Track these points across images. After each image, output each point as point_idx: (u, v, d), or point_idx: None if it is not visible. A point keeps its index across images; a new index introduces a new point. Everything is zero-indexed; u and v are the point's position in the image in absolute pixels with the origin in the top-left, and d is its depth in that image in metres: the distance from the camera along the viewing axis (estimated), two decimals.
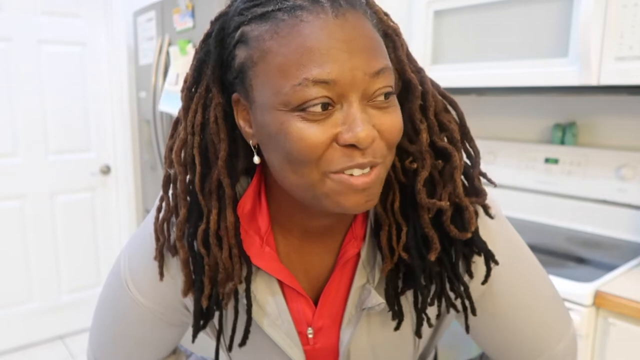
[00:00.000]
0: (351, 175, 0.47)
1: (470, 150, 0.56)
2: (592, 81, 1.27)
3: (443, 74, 1.62)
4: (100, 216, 2.81)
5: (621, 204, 1.55)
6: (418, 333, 0.60)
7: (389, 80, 0.47)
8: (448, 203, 0.52)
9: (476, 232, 0.55)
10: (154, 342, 0.66)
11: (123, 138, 2.77)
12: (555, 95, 1.72)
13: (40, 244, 2.63)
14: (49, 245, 2.65)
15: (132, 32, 2.62)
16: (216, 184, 0.53)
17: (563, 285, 1.15)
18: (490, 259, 0.57)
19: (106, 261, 2.86)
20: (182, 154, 0.54)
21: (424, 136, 0.53)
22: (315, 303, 0.61)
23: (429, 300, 0.57)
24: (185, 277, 0.57)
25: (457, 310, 0.59)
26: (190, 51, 2.06)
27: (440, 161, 0.53)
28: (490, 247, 0.57)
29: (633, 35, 1.20)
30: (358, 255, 0.58)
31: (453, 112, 0.57)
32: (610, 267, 1.26)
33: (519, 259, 0.62)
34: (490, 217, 0.57)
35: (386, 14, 0.53)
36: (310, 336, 0.61)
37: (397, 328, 0.59)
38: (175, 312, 0.63)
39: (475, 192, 0.55)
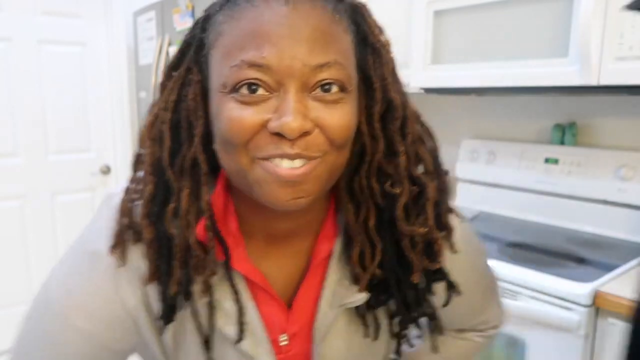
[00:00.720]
0: (270, 167, 0.46)
1: (441, 184, 0.56)
2: (592, 81, 1.27)
3: (443, 74, 1.62)
4: None
5: (621, 204, 1.55)
6: (398, 353, 0.61)
7: (337, 75, 0.46)
8: (426, 230, 0.52)
9: (442, 261, 0.56)
10: None
11: (123, 138, 2.78)
12: (555, 95, 1.72)
13: (40, 244, 2.63)
14: (49, 245, 2.65)
15: (132, 32, 2.62)
16: (190, 162, 0.51)
17: (563, 285, 1.15)
18: (452, 289, 0.59)
19: None
20: (153, 130, 0.53)
21: (403, 159, 0.52)
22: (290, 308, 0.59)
23: (407, 323, 0.59)
24: (150, 260, 0.52)
25: (419, 329, 0.62)
26: None
27: (415, 188, 0.53)
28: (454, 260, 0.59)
29: (633, 35, 1.20)
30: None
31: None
32: (610, 267, 1.26)
33: (478, 266, 0.69)
34: (455, 251, 0.57)
35: (380, 29, 0.53)
36: (284, 343, 0.59)
37: (376, 338, 0.59)
38: (122, 330, 0.56)
39: (443, 227, 0.55)
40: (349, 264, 0.56)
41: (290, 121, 0.43)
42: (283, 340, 0.58)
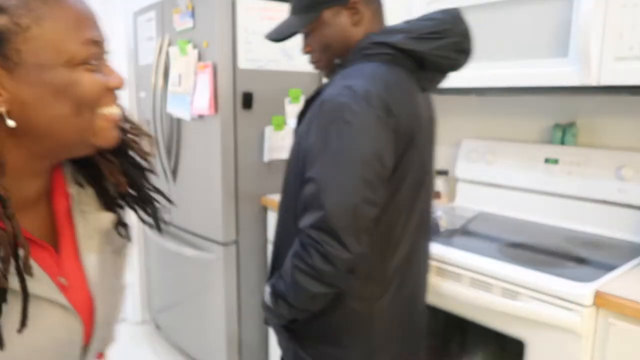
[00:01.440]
0: (111, 114, 0.63)
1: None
2: (592, 81, 1.27)
3: None
4: None
5: (621, 204, 1.55)
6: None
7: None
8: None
9: None
10: None
11: None
12: (555, 95, 1.72)
13: None
14: None
15: (132, 32, 2.62)
16: None
17: (563, 285, 1.15)
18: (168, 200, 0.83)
19: None
20: None
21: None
22: None
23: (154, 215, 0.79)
24: None
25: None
26: (191, 51, 2.06)
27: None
28: None
29: (633, 35, 1.20)
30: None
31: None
32: (610, 267, 1.26)
33: None
34: None
35: None
36: (65, 284, 0.66)
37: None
38: None
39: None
40: (87, 199, 0.71)
41: (121, 77, 0.64)
42: (63, 282, 0.66)
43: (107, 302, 0.72)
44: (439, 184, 2.06)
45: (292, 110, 2.20)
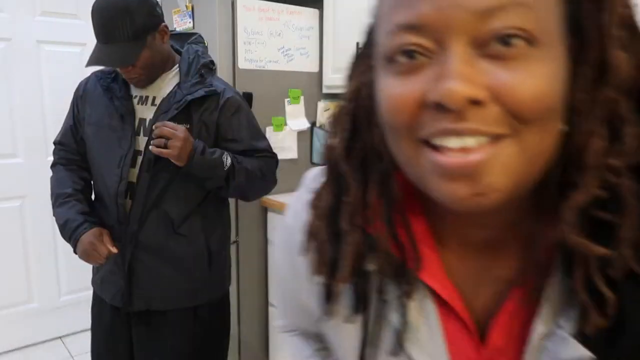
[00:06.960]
0: (445, 148, 0.34)
1: None
2: None
3: None
4: None
5: None
6: None
7: (518, 21, 0.32)
8: None
9: None
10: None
11: None
12: None
13: (40, 244, 2.62)
14: (49, 245, 2.65)
15: None
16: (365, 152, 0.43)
17: None
18: None
19: None
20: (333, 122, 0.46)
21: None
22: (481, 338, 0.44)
23: None
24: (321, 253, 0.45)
25: None
26: None
27: None
28: None
29: None
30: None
31: None
32: None
33: None
34: None
35: None
36: None
37: None
38: None
39: None
40: (567, 308, 0.38)
41: (451, 86, 0.32)
42: None
43: None
44: None
45: (292, 110, 2.20)
